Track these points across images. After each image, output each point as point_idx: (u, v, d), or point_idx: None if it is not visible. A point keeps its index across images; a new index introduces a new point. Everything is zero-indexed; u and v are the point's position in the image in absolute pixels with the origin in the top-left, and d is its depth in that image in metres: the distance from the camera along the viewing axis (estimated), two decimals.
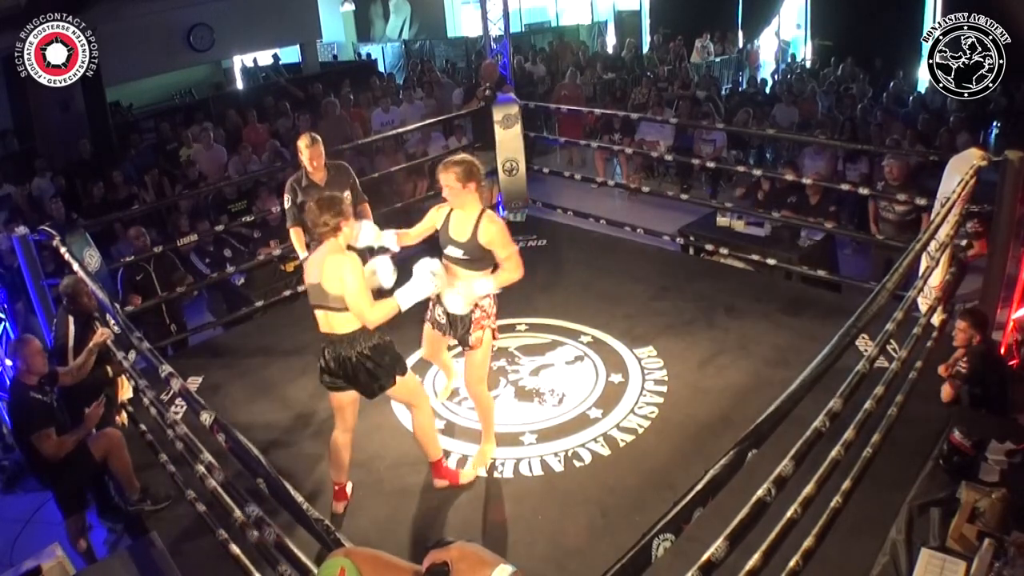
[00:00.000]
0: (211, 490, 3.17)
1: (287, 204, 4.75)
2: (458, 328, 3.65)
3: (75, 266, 4.43)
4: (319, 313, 3.29)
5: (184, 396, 3.01)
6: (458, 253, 3.57)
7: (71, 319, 4.33)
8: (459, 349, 3.86)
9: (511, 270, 3.52)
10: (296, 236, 4.75)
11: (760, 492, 2.30)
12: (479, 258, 3.55)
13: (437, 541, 1.28)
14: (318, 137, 4.69)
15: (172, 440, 3.52)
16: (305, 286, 3.36)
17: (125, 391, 4.34)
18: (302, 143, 4.64)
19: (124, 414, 4.37)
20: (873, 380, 3.18)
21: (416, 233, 3.78)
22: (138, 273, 5.56)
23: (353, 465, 4.02)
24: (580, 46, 14.33)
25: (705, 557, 2.14)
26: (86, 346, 4.13)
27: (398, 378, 3.41)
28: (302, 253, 4.71)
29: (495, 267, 3.57)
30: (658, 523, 2.02)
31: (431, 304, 3.74)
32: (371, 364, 3.30)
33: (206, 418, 2.75)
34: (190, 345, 5.79)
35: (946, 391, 3.96)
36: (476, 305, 3.55)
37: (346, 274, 3.13)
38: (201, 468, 3.22)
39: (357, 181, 4.85)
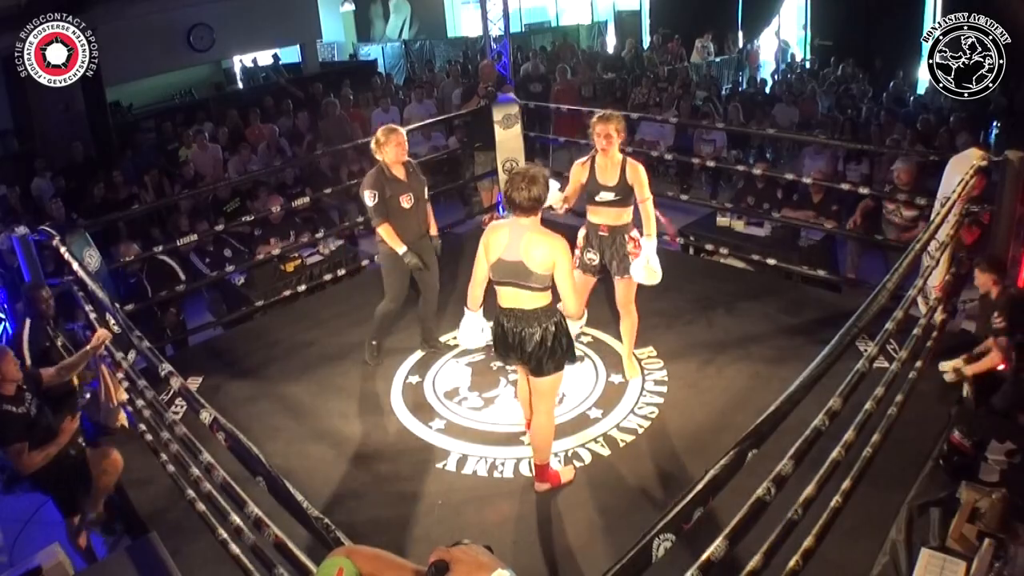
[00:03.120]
0: (206, 493, 3.16)
1: (374, 201, 4.40)
2: (615, 263, 4.24)
3: (75, 266, 4.42)
4: (507, 290, 3.35)
5: (184, 395, 3.01)
6: (609, 196, 4.13)
7: (28, 321, 4.32)
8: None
9: (652, 212, 4.19)
10: (388, 232, 4.47)
11: (760, 491, 2.29)
12: (627, 196, 4.14)
13: (456, 542, 1.28)
14: (398, 127, 4.53)
15: (167, 442, 3.52)
16: (492, 261, 3.33)
17: (119, 393, 4.32)
18: (382, 134, 4.41)
19: (123, 416, 4.37)
20: (873, 380, 3.18)
21: (571, 194, 4.22)
22: (130, 278, 5.58)
23: (353, 465, 4.04)
24: (580, 50, 14.33)
25: (705, 556, 2.13)
26: (31, 348, 4.11)
27: (565, 365, 3.49)
28: (400, 248, 4.47)
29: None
30: (658, 523, 2.02)
31: (579, 251, 4.26)
32: (551, 342, 3.36)
33: (206, 417, 2.75)
34: (190, 345, 5.79)
35: (973, 368, 3.98)
36: (630, 238, 4.20)
37: (561, 258, 3.22)
38: (195, 471, 3.22)
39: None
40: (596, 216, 4.22)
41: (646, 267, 4.16)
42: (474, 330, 3.65)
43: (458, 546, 1.25)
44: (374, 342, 4.91)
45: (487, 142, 6.93)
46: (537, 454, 3.66)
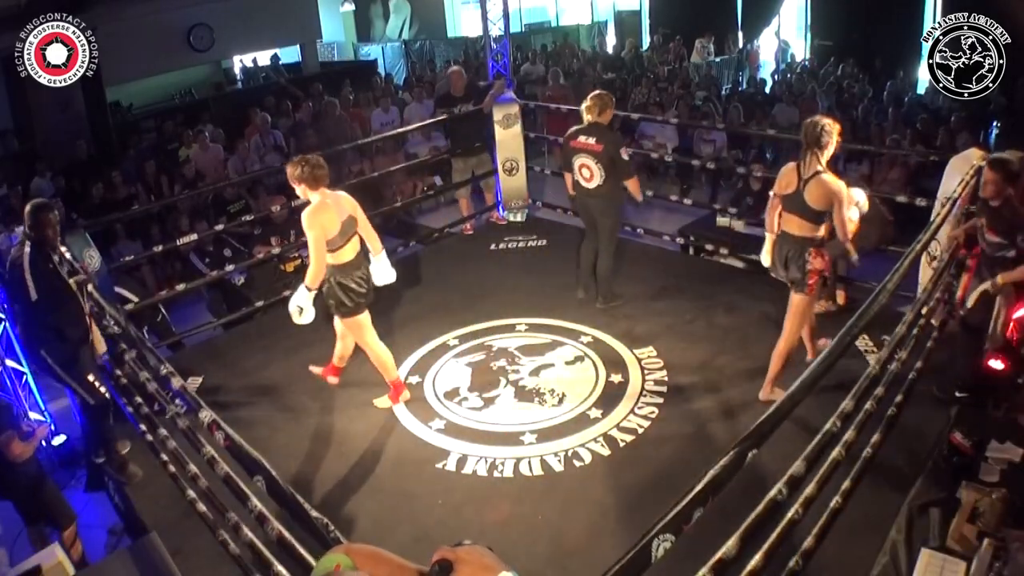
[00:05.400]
0: (205, 491, 3.16)
1: (629, 155, 5.10)
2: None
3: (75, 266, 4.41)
4: (352, 242, 4.10)
5: (182, 396, 3.00)
6: None
7: (28, 245, 3.92)
8: None
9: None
10: (637, 186, 5.21)
11: (772, 492, 2.28)
12: None
13: (459, 542, 1.26)
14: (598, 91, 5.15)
15: (164, 439, 3.52)
16: (338, 229, 3.99)
17: (99, 344, 4.22)
18: (608, 98, 5.05)
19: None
20: (873, 380, 3.18)
21: None
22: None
23: (353, 465, 4.04)
24: (579, 50, 14.33)
25: (717, 556, 2.13)
26: (32, 273, 3.85)
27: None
28: (640, 196, 5.31)
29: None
30: (658, 523, 2.02)
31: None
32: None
33: (205, 417, 2.74)
34: (190, 345, 5.79)
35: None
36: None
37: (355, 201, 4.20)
38: (194, 468, 3.22)
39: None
40: None
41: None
42: (311, 307, 4.09)
43: (461, 546, 1.24)
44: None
45: (466, 148, 6.96)
46: (388, 374, 4.42)
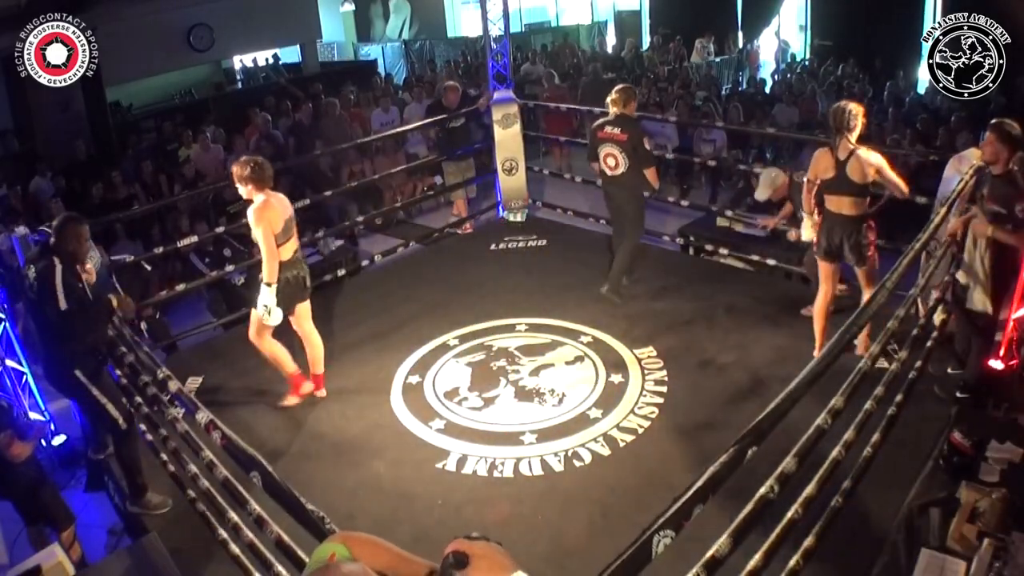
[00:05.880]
0: (205, 491, 3.16)
1: (652, 144, 5.56)
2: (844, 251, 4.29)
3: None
4: (293, 239, 4.30)
5: (179, 398, 3.00)
6: None
7: (57, 262, 3.66)
8: None
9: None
10: (655, 174, 5.36)
11: (763, 489, 2.28)
12: None
13: (468, 535, 1.24)
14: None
15: (165, 439, 3.52)
16: (282, 225, 4.19)
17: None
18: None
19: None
20: (873, 380, 3.18)
21: None
22: None
23: (353, 465, 4.04)
24: (579, 50, 14.33)
25: (709, 554, 2.13)
26: (65, 292, 3.61)
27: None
28: (656, 184, 5.45)
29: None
30: (658, 519, 2.01)
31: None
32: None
33: (202, 418, 2.74)
34: (191, 345, 5.78)
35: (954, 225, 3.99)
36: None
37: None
38: (194, 468, 3.22)
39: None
40: None
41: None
42: (276, 307, 4.21)
43: (476, 541, 1.21)
44: (626, 281, 5.56)
45: (461, 152, 7.14)
46: (284, 368, 4.55)
